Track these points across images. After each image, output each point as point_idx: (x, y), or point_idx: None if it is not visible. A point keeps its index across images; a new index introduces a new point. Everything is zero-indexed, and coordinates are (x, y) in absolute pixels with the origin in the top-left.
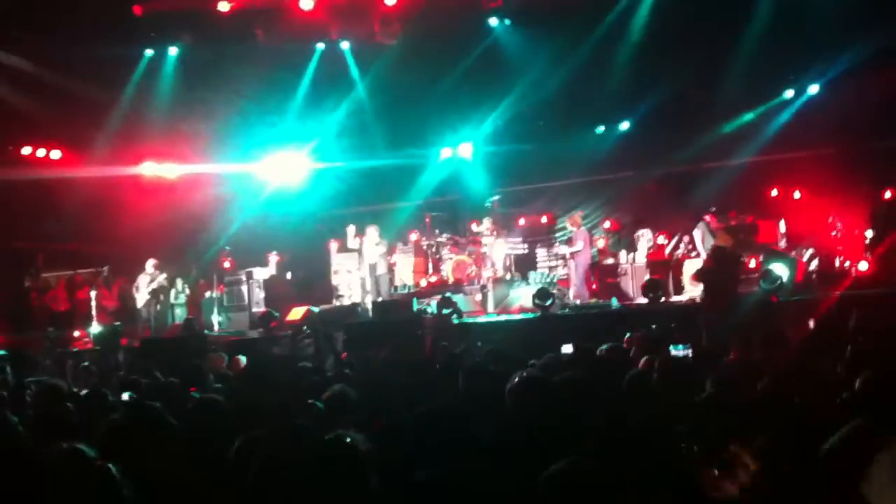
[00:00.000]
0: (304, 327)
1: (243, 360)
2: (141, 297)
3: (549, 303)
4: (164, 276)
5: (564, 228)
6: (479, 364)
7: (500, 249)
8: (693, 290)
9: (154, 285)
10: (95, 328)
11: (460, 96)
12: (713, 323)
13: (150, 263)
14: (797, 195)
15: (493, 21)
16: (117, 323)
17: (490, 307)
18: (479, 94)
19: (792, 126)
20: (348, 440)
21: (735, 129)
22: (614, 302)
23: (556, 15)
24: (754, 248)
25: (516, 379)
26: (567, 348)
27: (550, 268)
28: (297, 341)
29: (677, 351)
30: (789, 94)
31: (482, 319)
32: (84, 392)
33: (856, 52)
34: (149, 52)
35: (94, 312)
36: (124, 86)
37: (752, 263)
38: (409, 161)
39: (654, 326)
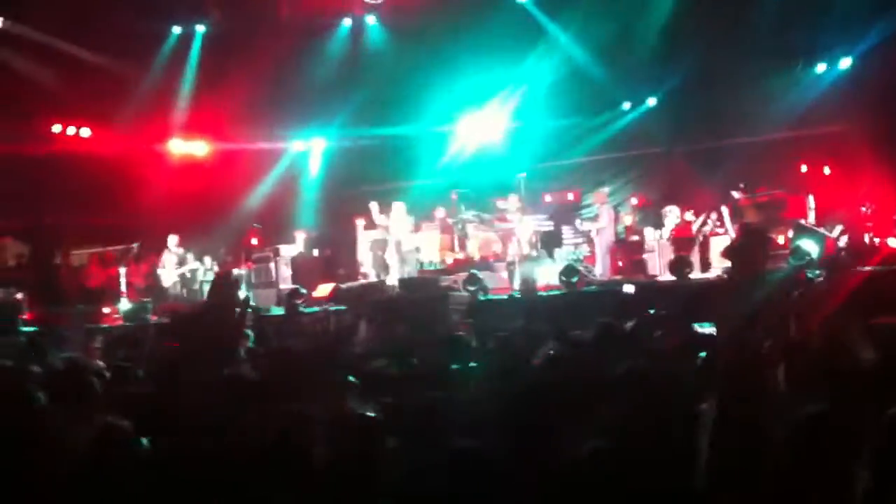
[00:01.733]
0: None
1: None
2: (168, 277)
3: (575, 280)
4: (194, 259)
5: (590, 205)
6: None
7: (526, 226)
8: (721, 268)
9: (184, 269)
10: (125, 304)
11: (487, 71)
12: (741, 300)
13: (174, 241)
14: (827, 171)
15: None
16: (147, 299)
17: (516, 284)
18: (507, 69)
19: (822, 100)
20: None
21: (765, 102)
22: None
23: None
24: (783, 224)
25: (543, 356)
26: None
27: (576, 245)
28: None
29: (703, 329)
30: (821, 67)
31: (508, 296)
32: (111, 367)
33: (888, 24)
34: (176, 30)
35: (123, 289)
36: (152, 63)
37: (781, 240)
38: (434, 138)
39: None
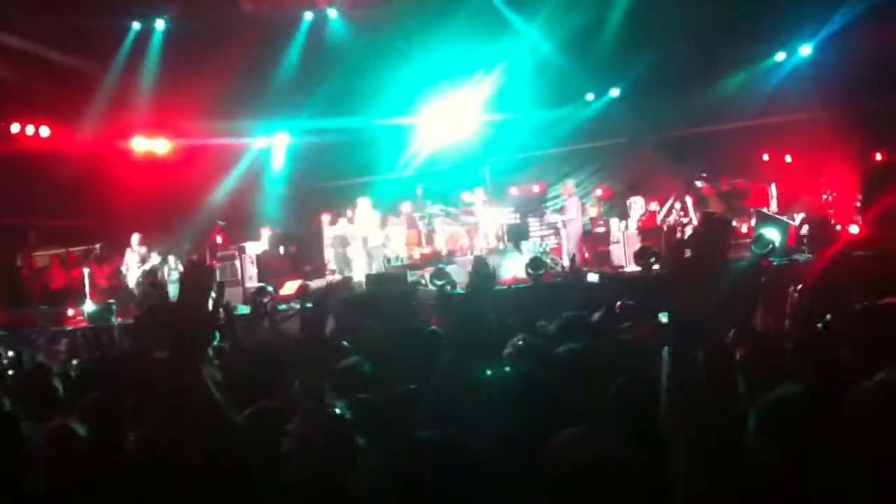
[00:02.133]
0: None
1: None
2: (132, 276)
3: (541, 272)
4: (156, 254)
5: (557, 197)
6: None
7: (492, 219)
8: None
9: (146, 266)
10: (89, 306)
11: (451, 63)
12: (701, 288)
13: (136, 239)
14: (788, 159)
15: None
16: (111, 300)
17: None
18: (470, 61)
19: (783, 89)
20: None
21: (727, 91)
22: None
23: None
24: (746, 213)
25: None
26: None
27: (543, 237)
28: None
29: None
30: (780, 56)
31: None
32: (74, 369)
33: (847, 10)
34: (136, 26)
35: (87, 290)
36: (112, 60)
37: (745, 228)
38: (397, 132)
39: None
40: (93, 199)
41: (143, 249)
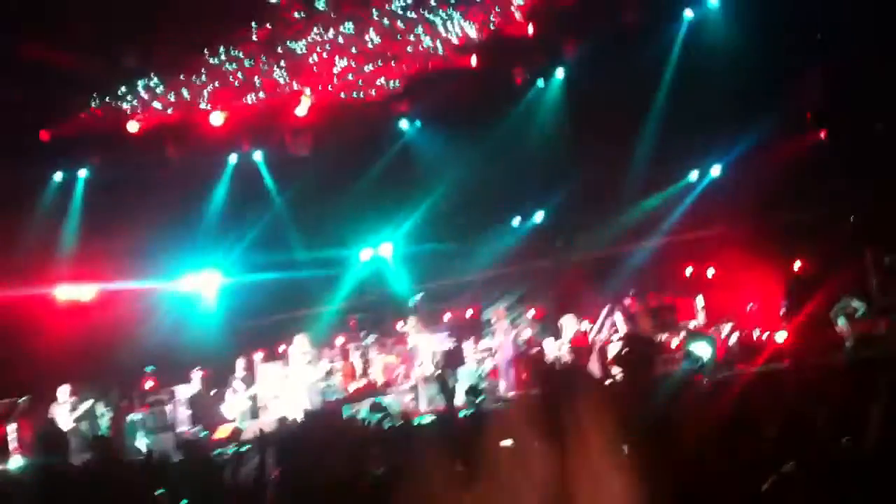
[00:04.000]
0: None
1: None
2: (63, 426)
3: (480, 399)
4: (85, 403)
5: (490, 322)
6: None
7: (427, 347)
8: (616, 375)
9: (77, 413)
10: (16, 462)
11: (376, 198)
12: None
13: (64, 390)
14: (711, 272)
15: (404, 124)
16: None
17: (423, 407)
18: (395, 195)
19: (699, 206)
20: None
21: (646, 211)
22: None
23: (463, 114)
24: (677, 328)
25: None
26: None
27: (479, 361)
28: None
29: None
30: (694, 175)
31: (416, 420)
32: None
33: (753, 132)
34: (58, 176)
35: (14, 446)
36: (34, 211)
37: (675, 343)
38: (329, 266)
39: None
40: (16, 351)
41: (73, 399)
